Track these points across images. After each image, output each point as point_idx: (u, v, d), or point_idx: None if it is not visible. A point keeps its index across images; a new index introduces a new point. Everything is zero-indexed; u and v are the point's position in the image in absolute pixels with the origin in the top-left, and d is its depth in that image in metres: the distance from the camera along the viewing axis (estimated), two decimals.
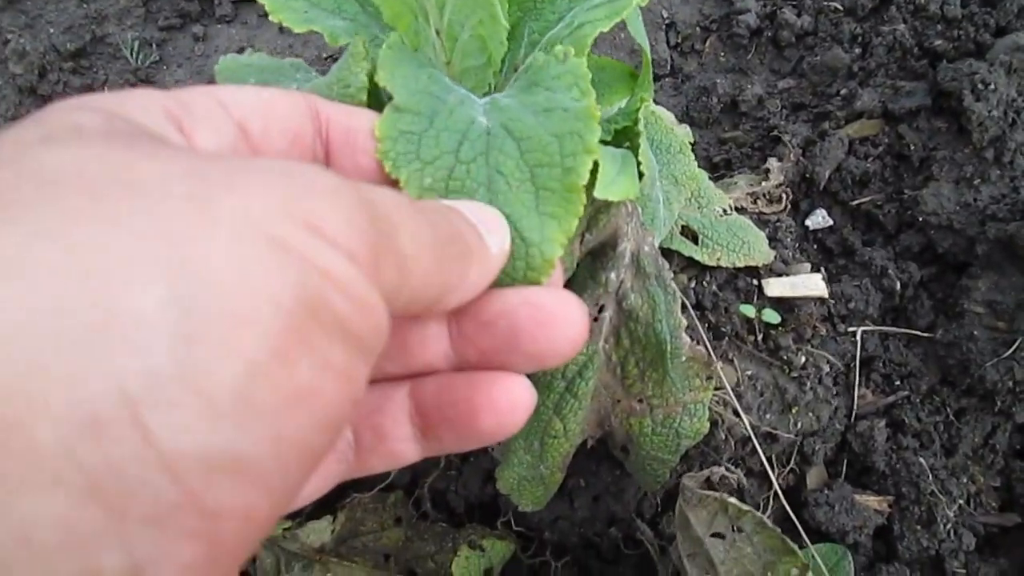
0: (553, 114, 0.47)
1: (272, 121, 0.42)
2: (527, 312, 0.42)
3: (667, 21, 1.27)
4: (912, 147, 1.08)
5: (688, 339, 0.72)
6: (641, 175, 0.74)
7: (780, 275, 0.87)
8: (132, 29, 1.27)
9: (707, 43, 1.26)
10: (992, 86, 1.02)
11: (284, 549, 0.88)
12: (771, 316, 0.84)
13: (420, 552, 0.93)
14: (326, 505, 0.96)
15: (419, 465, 0.97)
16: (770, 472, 0.79)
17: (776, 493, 0.83)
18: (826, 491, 0.95)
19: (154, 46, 1.28)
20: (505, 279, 0.45)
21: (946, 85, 1.06)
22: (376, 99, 0.54)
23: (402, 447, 0.45)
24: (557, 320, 0.42)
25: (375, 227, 0.32)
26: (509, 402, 0.43)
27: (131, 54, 1.26)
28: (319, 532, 0.89)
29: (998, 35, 1.10)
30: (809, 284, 0.86)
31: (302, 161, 0.33)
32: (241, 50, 1.24)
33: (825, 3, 1.22)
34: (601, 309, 0.74)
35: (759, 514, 0.69)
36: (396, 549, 0.93)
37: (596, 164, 0.57)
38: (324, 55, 1.28)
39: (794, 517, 0.82)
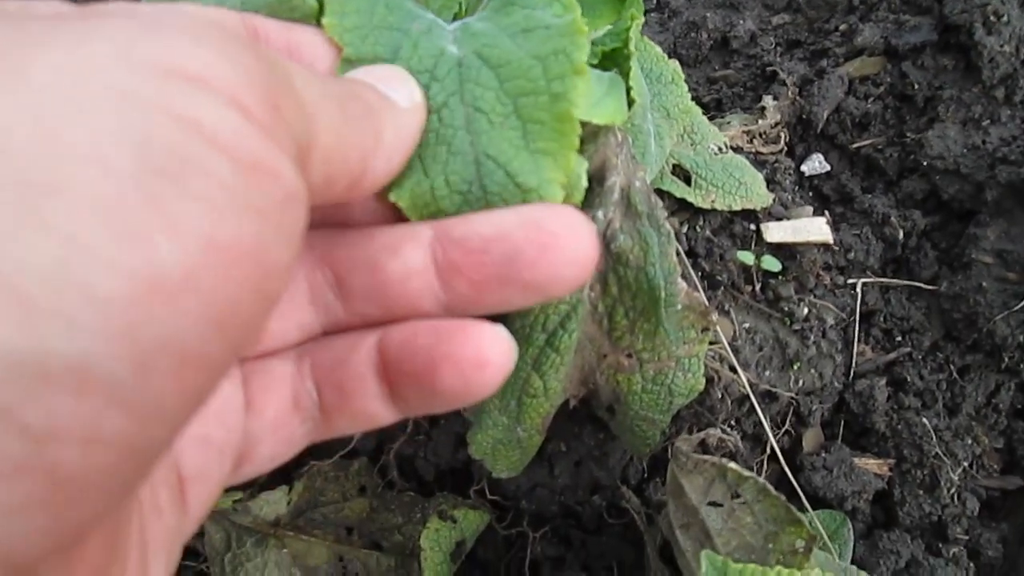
0: (533, 34, 0.40)
1: None
2: (526, 234, 0.35)
3: None
4: (916, 86, 1.01)
5: (684, 284, 0.64)
6: (631, 103, 0.66)
7: (780, 219, 0.79)
8: None
9: None
10: (1005, 18, 0.94)
11: (235, 523, 0.80)
12: (771, 264, 0.76)
13: (386, 523, 0.85)
14: (281, 474, 0.88)
15: (385, 429, 0.89)
16: (770, 434, 0.72)
17: (773, 456, 0.76)
18: (823, 454, 0.89)
19: None
20: None
21: (954, 18, 0.98)
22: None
23: (370, 407, 0.38)
24: (562, 241, 0.35)
25: (266, 65, 0.25)
26: (476, 356, 0.35)
27: None
28: (274, 504, 0.81)
29: None
30: (812, 228, 0.78)
31: None
32: None
33: None
34: None
35: (762, 480, 0.62)
36: (360, 521, 0.85)
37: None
38: None
39: (795, 482, 0.75)
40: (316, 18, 0.47)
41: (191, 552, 0.85)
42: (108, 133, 0.21)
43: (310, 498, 0.83)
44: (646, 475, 0.84)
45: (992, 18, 0.95)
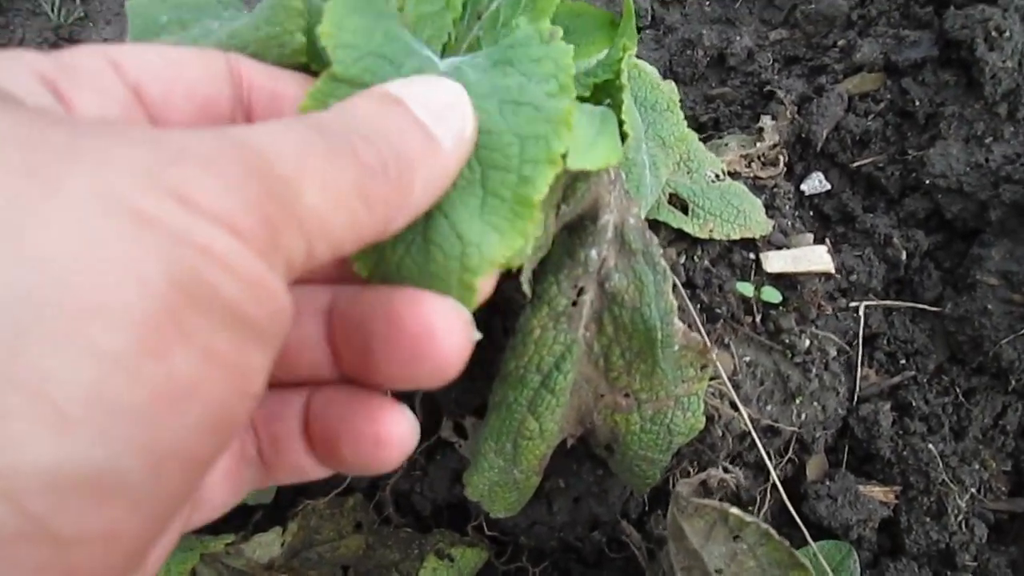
0: (522, 110, 0.40)
1: (177, 85, 0.37)
2: (381, 325, 0.34)
3: None
4: (917, 103, 0.99)
5: (681, 324, 0.62)
6: (624, 136, 0.64)
7: (780, 247, 0.77)
8: None
9: None
10: (1007, 33, 0.92)
11: (228, 566, 0.78)
12: (771, 295, 0.75)
13: (383, 561, 0.84)
14: (276, 512, 0.87)
15: None
16: (772, 470, 0.71)
17: (775, 489, 0.75)
18: (827, 482, 0.87)
19: (78, 1, 1.14)
20: (436, 282, 0.37)
21: (955, 33, 0.96)
22: (319, 57, 0.46)
23: (301, 462, 0.39)
24: (415, 340, 0.33)
25: (269, 194, 0.26)
26: (375, 435, 0.35)
27: (52, 10, 1.13)
28: (267, 546, 0.79)
29: None
30: (813, 257, 0.76)
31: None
32: None
33: None
34: (580, 292, 0.64)
35: (764, 525, 0.60)
36: (356, 559, 0.83)
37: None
38: None
39: (796, 516, 0.73)
40: (304, 55, 0.46)
41: None
42: (141, 257, 0.22)
43: (305, 537, 0.82)
44: (647, 508, 0.82)
45: (994, 33, 0.93)
